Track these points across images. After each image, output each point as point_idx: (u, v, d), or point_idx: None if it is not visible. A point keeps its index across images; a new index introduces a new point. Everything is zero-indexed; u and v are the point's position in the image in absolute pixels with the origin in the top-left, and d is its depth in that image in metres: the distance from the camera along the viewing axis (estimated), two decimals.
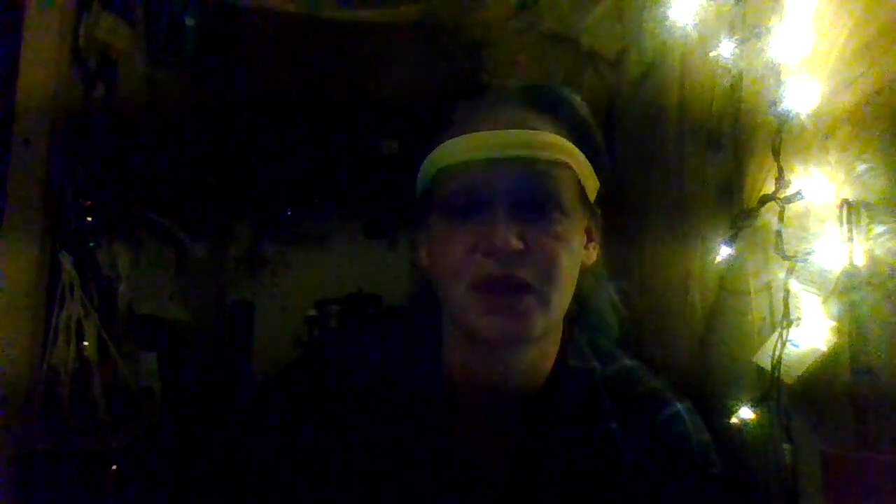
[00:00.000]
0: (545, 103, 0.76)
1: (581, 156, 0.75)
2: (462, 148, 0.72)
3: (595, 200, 0.80)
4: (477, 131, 0.72)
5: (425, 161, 0.76)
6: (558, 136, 0.73)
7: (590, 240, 0.79)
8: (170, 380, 1.40)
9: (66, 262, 1.12)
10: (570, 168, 0.73)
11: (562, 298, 0.73)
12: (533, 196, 0.71)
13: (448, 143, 0.73)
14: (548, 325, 0.74)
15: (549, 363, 0.79)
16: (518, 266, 0.69)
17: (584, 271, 0.78)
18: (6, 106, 1.09)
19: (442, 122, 0.77)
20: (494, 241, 0.68)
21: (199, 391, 1.66)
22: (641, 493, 0.74)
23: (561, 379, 0.78)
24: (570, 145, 0.74)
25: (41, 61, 1.11)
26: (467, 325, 0.73)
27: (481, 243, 0.70)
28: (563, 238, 0.72)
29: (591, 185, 0.78)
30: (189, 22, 1.48)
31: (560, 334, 0.80)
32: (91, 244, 1.18)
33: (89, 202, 1.17)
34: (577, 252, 0.75)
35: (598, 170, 0.78)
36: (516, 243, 0.69)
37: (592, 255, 0.80)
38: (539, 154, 0.71)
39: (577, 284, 0.76)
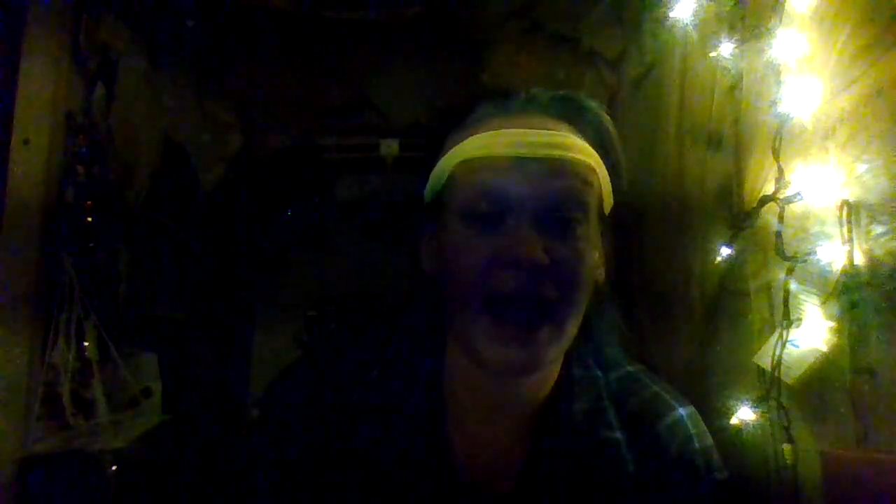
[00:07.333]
0: (573, 115, 0.73)
1: (604, 170, 0.72)
2: (489, 142, 0.67)
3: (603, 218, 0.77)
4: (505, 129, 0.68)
5: (444, 156, 0.72)
6: (587, 144, 0.70)
7: (599, 257, 0.76)
8: (170, 380, 1.40)
9: (66, 262, 1.12)
10: (596, 175, 0.70)
11: (576, 323, 0.69)
12: (560, 200, 0.66)
13: (474, 137, 0.68)
14: (559, 352, 0.71)
15: (553, 377, 0.77)
16: (540, 283, 0.64)
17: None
18: (6, 106, 1.09)
19: (464, 121, 0.73)
20: (520, 252, 0.63)
21: (199, 392, 1.66)
22: (646, 501, 0.74)
23: (565, 389, 0.77)
24: (597, 156, 0.71)
25: (41, 61, 1.11)
26: (473, 351, 0.68)
27: (504, 253, 0.64)
28: (584, 256, 0.68)
29: (607, 203, 0.75)
30: (189, 22, 1.48)
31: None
32: (91, 244, 1.18)
33: (89, 202, 1.17)
34: (592, 270, 0.71)
35: (614, 188, 0.76)
36: (543, 256, 0.63)
37: (602, 273, 0.76)
38: (569, 155, 0.67)
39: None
